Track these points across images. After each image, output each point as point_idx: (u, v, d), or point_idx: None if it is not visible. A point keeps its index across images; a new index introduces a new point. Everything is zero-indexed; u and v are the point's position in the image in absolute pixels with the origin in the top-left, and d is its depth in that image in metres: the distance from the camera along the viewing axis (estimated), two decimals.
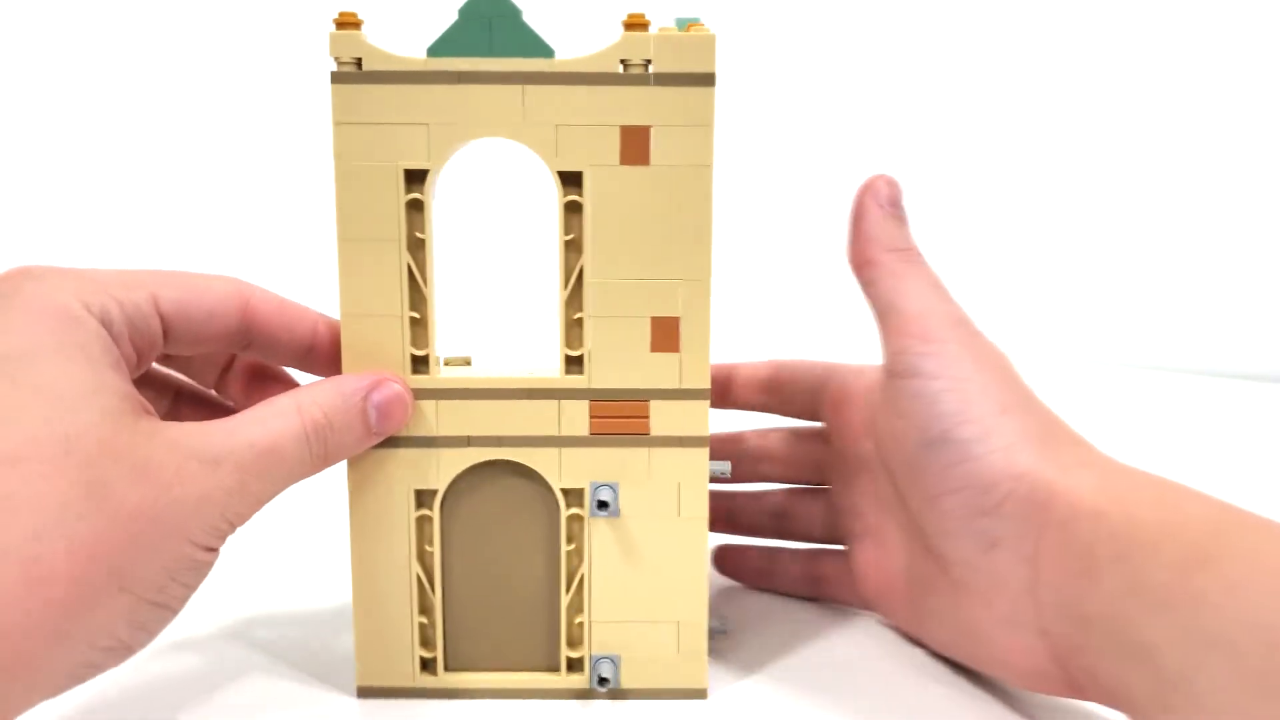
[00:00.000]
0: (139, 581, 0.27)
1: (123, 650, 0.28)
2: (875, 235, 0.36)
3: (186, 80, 1.00)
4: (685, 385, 0.34)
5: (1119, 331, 1.03)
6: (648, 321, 0.33)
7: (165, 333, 0.31)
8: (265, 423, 0.30)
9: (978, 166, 1.07)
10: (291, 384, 0.35)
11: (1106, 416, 0.80)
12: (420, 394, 0.33)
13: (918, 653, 0.38)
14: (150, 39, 0.99)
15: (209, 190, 1.02)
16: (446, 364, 0.35)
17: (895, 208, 0.36)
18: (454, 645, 0.35)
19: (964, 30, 1.06)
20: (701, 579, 0.35)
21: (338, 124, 0.32)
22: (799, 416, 0.43)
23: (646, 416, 0.34)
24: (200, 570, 0.29)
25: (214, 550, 0.29)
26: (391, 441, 0.33)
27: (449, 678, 0.35)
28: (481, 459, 0.34)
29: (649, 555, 0.34)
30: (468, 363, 0.36)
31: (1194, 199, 1.00)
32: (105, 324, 0.28)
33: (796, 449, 0.43)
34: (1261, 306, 0.98)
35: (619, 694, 0.35)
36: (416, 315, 0.33)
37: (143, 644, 0.28)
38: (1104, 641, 0.29)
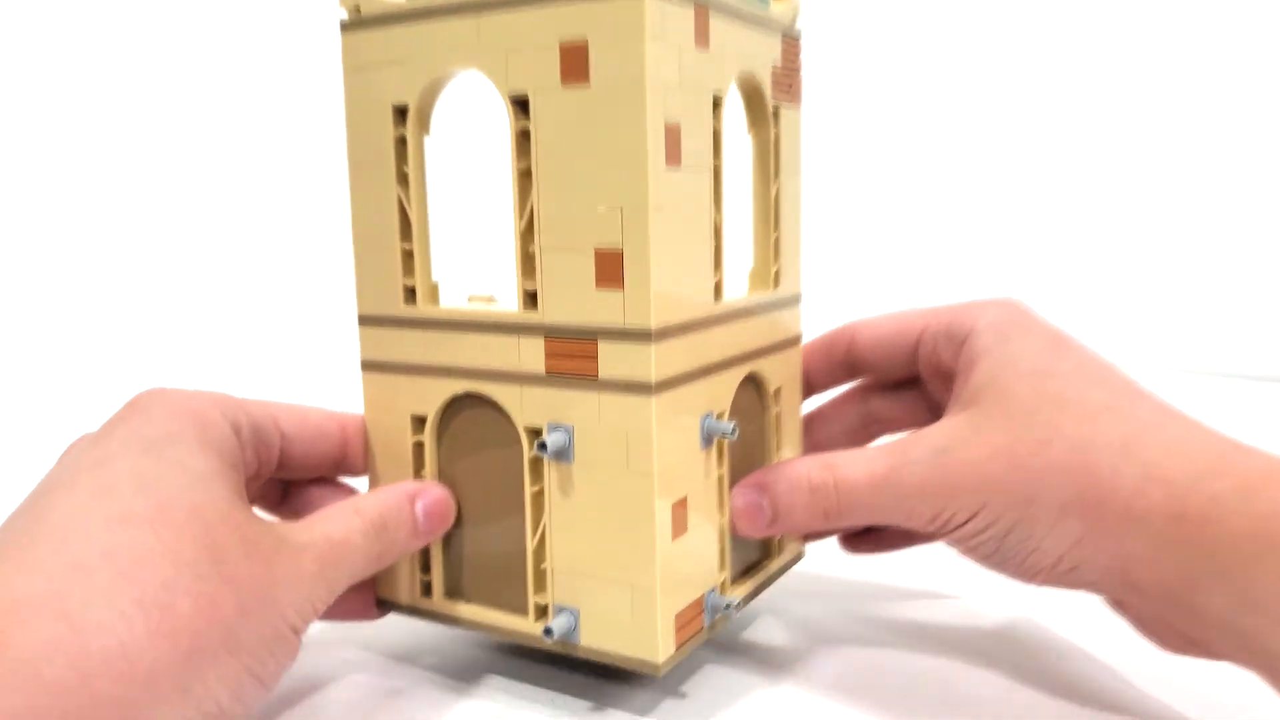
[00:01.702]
0: (245, 647, 0.28)
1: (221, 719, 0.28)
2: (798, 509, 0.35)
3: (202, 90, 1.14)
4: (629, 324, 0.31)
5: (1120, 331, 1.00)
6: (592, 254, 0.31)
7: (282, 450, 0.36)
8: (334, 520, 0.33)
9: (982, 169, 1.07)
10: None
11: None
12: (407, 323, 0.35)
13: (914, 678, 0.32)
14: (152, 40, 1.14)
15: (214, 188, 1.13)
16: (470, 301, 0.36)
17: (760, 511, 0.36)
18: (450, 574, 0.36)
19: (965, 37, 1.07)
20: (650, 541, 0.31)
21: (346, 71, 0.35)
22: (892, 377, 0.41)
23: (595, 357, 0.32)
24: (290, 650, 0.30)
25: (299, 633, 0.30)
26: (391, 367, 0.36)
27: (443, 603, 0.36)
28: (459, 390, 0.34)
29: (601, 508, 0.32)
30: (491, 300, 0.36)
31: (1196, 200, 1.01)
32: (235, 430, 0.33)
33: (900, 401, 0.41)
34: (1261, 306, 0.98)
35: (574, 649, 0.33)
36: (407, 248, 0.35)
37: (239, 719, 0.29)
38: (1230, 647, 0.29)
